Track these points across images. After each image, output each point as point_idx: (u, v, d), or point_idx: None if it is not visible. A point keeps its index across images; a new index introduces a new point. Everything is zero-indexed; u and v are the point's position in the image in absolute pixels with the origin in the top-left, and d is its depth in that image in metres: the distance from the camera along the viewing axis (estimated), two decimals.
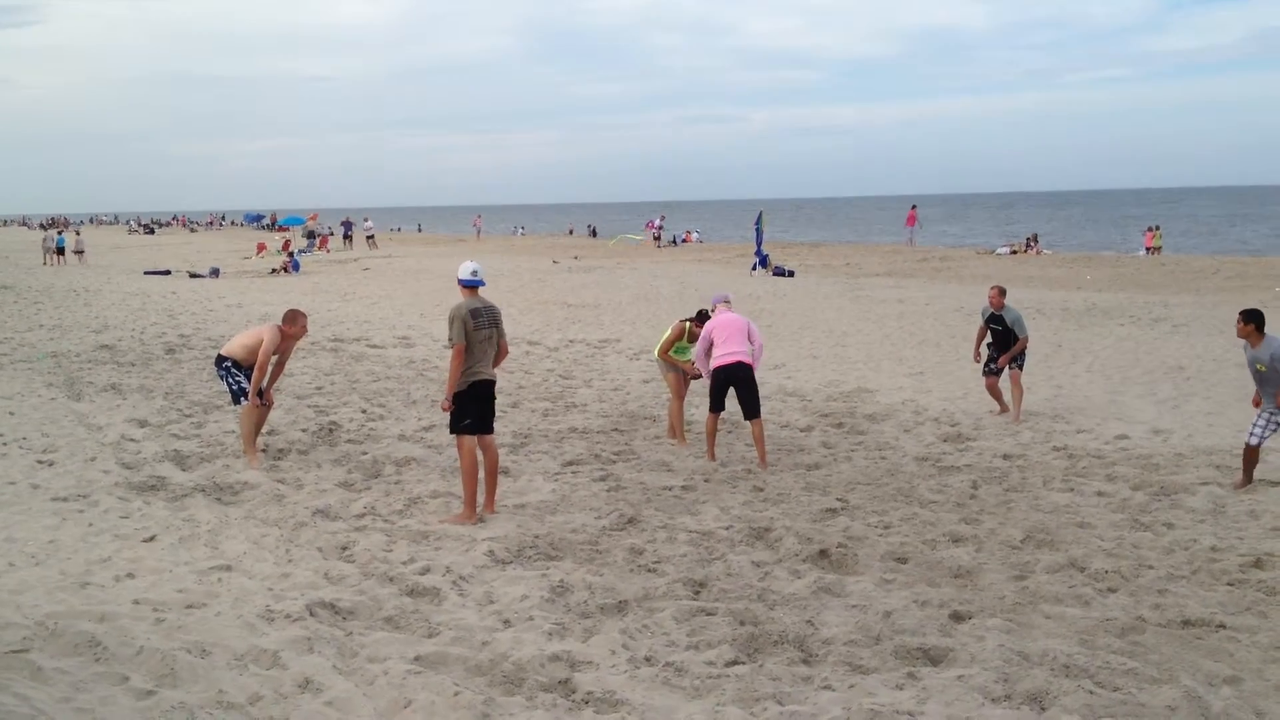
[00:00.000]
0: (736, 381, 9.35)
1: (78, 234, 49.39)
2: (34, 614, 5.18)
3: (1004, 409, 11.53)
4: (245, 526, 7.35)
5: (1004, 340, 11.46)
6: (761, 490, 8.59)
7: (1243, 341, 8.49)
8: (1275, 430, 8.39)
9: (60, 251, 41.50)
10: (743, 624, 5.61)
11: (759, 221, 35.90)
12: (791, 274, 31.08)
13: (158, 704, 4.29)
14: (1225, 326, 17.23)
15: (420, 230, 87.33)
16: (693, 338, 10.37)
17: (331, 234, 55.92)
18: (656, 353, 10.69)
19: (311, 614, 5.54)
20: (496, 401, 7.96)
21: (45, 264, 39.84)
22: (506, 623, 5.63)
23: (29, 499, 7.77)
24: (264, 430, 9.62)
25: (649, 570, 6.56)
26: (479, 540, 7.01)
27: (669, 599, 6.03)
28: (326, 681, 4.74)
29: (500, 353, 7.79)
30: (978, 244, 49.71)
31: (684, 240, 52.45)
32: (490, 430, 7.78)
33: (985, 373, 11.70)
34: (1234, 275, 27.24)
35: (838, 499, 8.26)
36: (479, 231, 66.01)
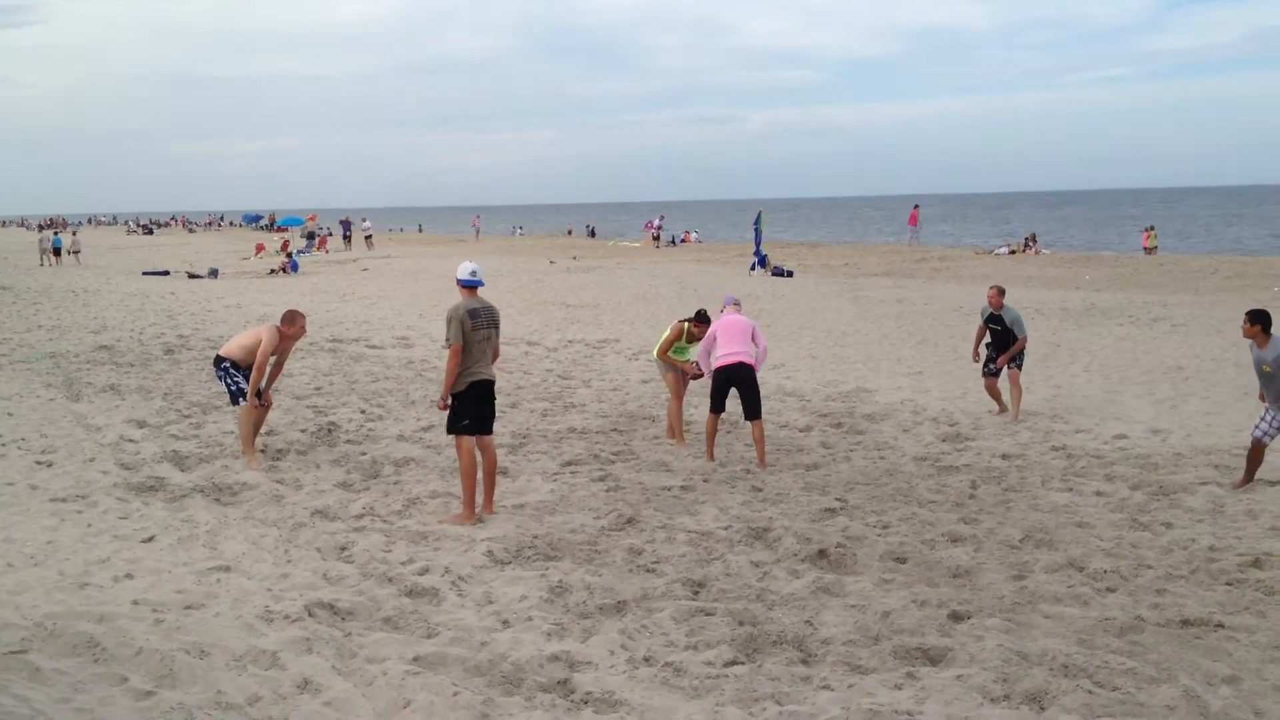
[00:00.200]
0: (738, 382, 9.35)
1: (74, 235, 49.46)
2: (33, 615, 5.18)
3: (1003, 409, 11.54)
4: (244, 527, 7.35)
5: (1003, 340, 11.46)
6: (760, 490, 8.59)
7: (1247, 341, 8.49)
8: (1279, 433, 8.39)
9: (57, 252, 41.75)
10: (741, 624, 5.61)
11: (758, 221, 35.92)
12: (790, 274, 31.09)
13: (157, 705, 4.29)
14: (1224, 326, 17.24)
15: (421, 230, 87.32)
16: (691, 338, 10.37)
17: (330, 234, 55.89)
18: (655, 353, 10.69)
19: (310, 614, 5.54)
20: (495, 402, 7.96)
21: (43, 265, 40.04)
22: (505, 623, 5.63)
23: (27, 500, 7.77)
24: (263, 431, 9.61)
25: (648, 570, 6.56)
26: (478, 541, 7.01)
27: (668, 599, 6.03)
28: (325, 682, 4.74)
29: (493, 354, 7.79)
30: (976, 244, 49.74)
31: (683, 240, 52.47)
32: (489, 431, 7.78)
33: (984, 373, 11.70)
34: (1233, 275, 27.25)
35: (836, 499, 8.26)
36: (478, 232, 65.97)
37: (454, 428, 7.65)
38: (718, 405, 9.57)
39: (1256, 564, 6.67)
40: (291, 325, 9.20)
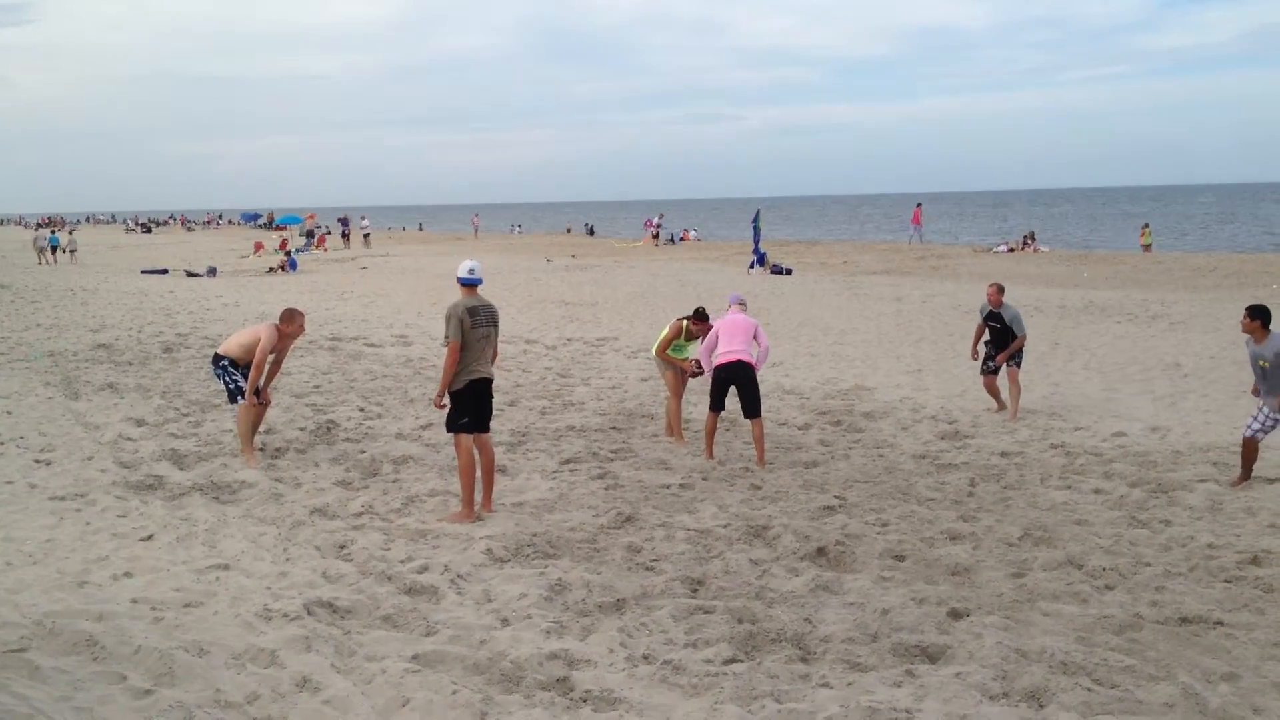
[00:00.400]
0: (737, 381, 9.35)
1: (70, 233, 49.57)
2: (32, 613, 5.18)
3: (1001, 407, 11.54)
4: (243, 525, 7.35)
5: (1002, 338, 11.46)
6: (759, 488, 8.59)
7: (1245, 337, 8.49)
8: (1275, 427, 8.40)
9: (53, 250, 41.91)
10: (741, 622, 5.61)
11: (756, 220, 35.92)
12: (789, 272, 31.09)
13: (155, 703, 4.29)
14: (1222, 323, 17.26)
15: (421, 229, 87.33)
16: (690, 336, 10.36)
17: (329, 233, 55.87)
18: (654, 351, 10.68)
19: (309, 613, 5.54)
20: (494, 400, 7.96)
21: (40, 263, 40.17)
22: (504, 621, 5.63)
23: (26, 498, 7.77)
24: (261, 429, 9.61)
25: (647, 568, 6.56)
26: (477, 539, 7.01)
27: (667, 597, 6.03)
28: (324, 680, 4.74)
29: (493, 354, 7.79)
30: (974, 242, 49.72)
31: (682, 238, 52.47)
32: (487, 429, 7.78)
33: (983, 371, 11.71)
34: (1231, 273, 27.26)
35: (835, 497, 8.27)
36: (477, 230, 66.00)
37: (453, 426, 7.65)
38: (717, 404, 9.57)
39: (1255, 561, 6.68)
40: (290, 323, 9.19)
